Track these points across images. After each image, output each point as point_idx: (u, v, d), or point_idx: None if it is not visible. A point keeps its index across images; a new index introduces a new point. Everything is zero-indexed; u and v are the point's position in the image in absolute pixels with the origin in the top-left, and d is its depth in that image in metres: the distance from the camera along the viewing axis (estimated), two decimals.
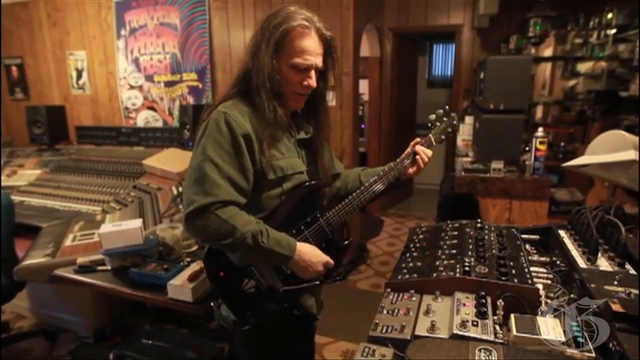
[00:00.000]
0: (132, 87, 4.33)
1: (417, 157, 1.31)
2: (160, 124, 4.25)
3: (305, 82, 1.13)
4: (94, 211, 2.62)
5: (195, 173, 1.06)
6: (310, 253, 1.15)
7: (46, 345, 2.58)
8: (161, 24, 4.01)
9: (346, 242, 1.32)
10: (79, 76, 4.61)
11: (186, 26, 3.89)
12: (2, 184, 3.12)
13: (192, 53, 3.94)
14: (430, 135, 1.37)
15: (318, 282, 1.22)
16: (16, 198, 2.71)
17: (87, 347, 2.46)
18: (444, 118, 1.39)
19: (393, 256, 3.86)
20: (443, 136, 1.39)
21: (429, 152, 1.33)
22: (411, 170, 1.32)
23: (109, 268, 1.80)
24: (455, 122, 1.41)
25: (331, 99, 3.48)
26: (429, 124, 1.39)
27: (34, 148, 3.66)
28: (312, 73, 1.14)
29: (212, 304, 1.26)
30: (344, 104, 3.46)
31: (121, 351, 1.90)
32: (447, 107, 1.40)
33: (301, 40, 1.10)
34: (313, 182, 1.21)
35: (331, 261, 1.18)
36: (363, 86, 4.39)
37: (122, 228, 1.76)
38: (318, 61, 1.13)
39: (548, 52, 4.09)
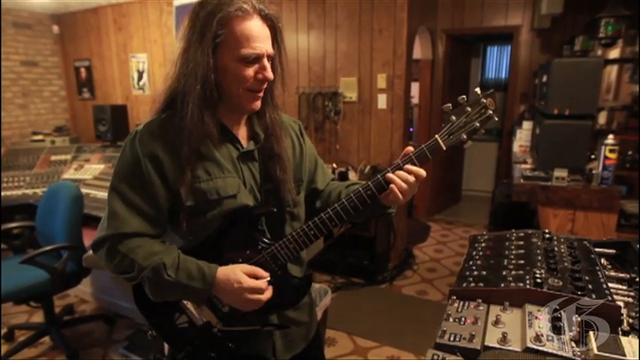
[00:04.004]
0: None
1: (392, 186, 0.93)
2: None
3: (259, 75, 0.94)
4: None
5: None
6: (231, 279, 0.92)
7: (106, 329, 2.75)
8: None
9: (302, 277, 1.07)
10: (140, 77, 4.89)
11: None
12: (71, 176, 3.37)
13: None
14: (437, 136, 0.93)
15: (259, 327, 1.02)
16: (83, 190, 2.91)
17: (143, 334, 2.59)
18: (468, 108, 0.93)
19: (440, 262, 3.77)
20: (464, 135, 0.92)
21: (409, 178, 0.92)
22: (389, 197, 0.95)
23: None
24: (489, 113, 0.92)
25: (382, 102, 3.46)
26: (443, 119, 0.95)
27: (99, 144, 3.91)
28: (265, 62, 0.94)
29: (148, 333, 1.10)
30: (395, 107, 3.42)
31: None
32: (477, 90, 0.93)
33: (245, 26, 0.90)
34: (247, 208, 0.99)
35: (259, 284, 0.94)
36: (414, 89, 4.32)
37: None
38: (268, 47, 0.94)
39: (614, 53, 3.82)
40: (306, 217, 1.12)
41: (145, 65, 4.81)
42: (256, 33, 0.92)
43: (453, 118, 0.93)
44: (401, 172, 0.93)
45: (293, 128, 1.15)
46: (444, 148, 0.93)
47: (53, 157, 3.63)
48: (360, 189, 0.96)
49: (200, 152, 0.94)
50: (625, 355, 0.74)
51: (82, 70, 5.31)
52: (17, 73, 4.99)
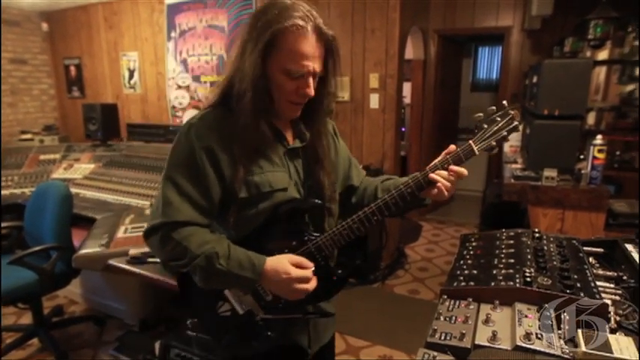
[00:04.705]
0: (179, 87, 4.49)
1: (438, 184, 1.00)
2: None
3: (301, 91, 0.98)
4: (143, 205, 2.74)
5: (160, 191, 0.99)
6: (279, 270, 0.96)
7: (95, 330, 2.72)
8: (209, 26, 4.15)
9: (341, 271, 1.11)
10: (131, 75, 4.85)
11: (233, 28, 4.00)
12: (60, 176, 3.32)
13: None
14: (471, 142, 1.01)
15: (300, 315, 1.06)
16: (72, 190, 2.87)
17: (133, 335, 2.57)
18: (497, 118, 1.01)
19: (432, 262, 3.79)
20: (493, 142, 1.01)
21: (452, 177, 1.01)
22: (431, 193, 1.04)
23: (158, 260, 1.87)
24: (515, 123, 1.01)
25: (374, 102, 3.47)
26: (475, 126, 1.03)
27: (89, 143, 3.87)
28: (310, 80, 0.97)
29: (188, 322, 1.13)
30: (387, 107, 3.43)
31: (167, 341, 1.97)
32: (504, 102, 1.02)
33: (296, 43, 0.93)
34: (297, 201, 1.04)
35: (306, 274, 0.98)
36: (406, 89, 4.33)
37: None
38: (316, 65, 0.96)
39: (602, 55, 3.87)
40: (343, 212, 1.16)
41: (135, 64, 4.77)
42: (306, 51, 0.94)
43: (485, 126, 1.01)
44: (440, 175, 1.01)
45: (327, 128, 1.18)
46: (477, 153, 1.01)
47: (42, 157, 3.58)
48: (402, 187, 1.02)
49: (251, 148, 0.99)
50: (612, 353, 0.75)
51: (72, 68, 5.24)
52: (6, 70, 4.92)
